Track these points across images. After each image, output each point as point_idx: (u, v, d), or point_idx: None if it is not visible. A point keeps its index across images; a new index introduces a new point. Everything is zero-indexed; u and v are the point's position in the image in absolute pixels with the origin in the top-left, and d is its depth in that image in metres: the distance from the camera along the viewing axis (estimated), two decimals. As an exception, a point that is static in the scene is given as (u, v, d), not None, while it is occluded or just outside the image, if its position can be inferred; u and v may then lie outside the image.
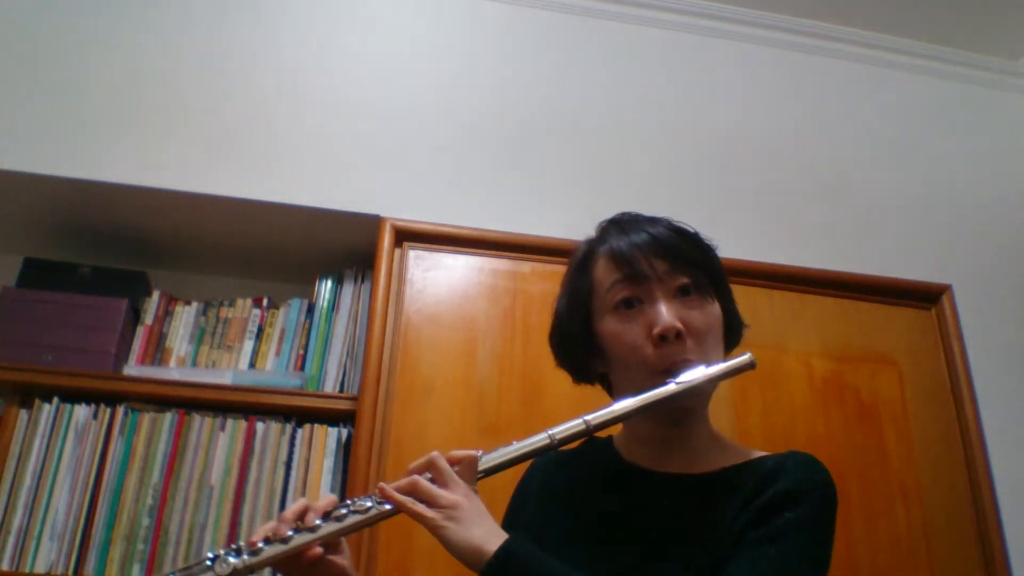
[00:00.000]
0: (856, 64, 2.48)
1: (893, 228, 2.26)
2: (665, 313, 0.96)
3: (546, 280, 1.96)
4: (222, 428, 1.82)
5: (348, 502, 0.90)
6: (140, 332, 1.98)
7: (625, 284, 0.99)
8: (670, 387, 0.94)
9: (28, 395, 1.81)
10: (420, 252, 1.96)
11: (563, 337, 1.08)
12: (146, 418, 1.81)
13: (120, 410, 1.80)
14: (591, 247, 1.08)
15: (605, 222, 1.10)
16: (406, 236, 1.96)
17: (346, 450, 1.82)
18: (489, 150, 2.13)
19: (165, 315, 2.02)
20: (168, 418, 1.81)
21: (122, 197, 1.96)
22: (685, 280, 0.99)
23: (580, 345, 1.04)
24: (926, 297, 2.15)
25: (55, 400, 1.80)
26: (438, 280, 1.94)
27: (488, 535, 0.85)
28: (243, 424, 1.83)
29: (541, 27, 2.33)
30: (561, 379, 1.09)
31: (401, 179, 2.05)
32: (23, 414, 1.78)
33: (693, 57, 2.39)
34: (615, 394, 1.04)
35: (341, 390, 1.91)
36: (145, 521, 1.71)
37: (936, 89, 2.52)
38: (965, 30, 2.49)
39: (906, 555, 1.83)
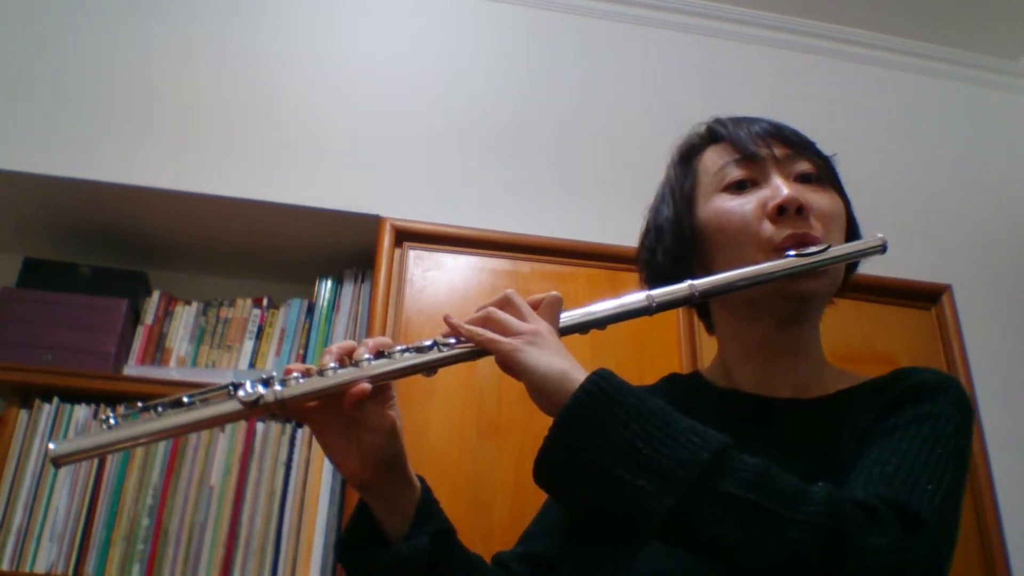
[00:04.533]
0: (855, 64, 2.48)
1: (893, 228, 2.24)
2: (784, 186, 0.83)
3: (546, 280, 1.96)
4: (222, 428, 1.82)
5: (404, 345, 0.75)
6: (140, 332, 1.97)
7: (738, 164, 0.86)
8: (791, 260, 0.80)
9: (28, 395, 1.80)
10: (420, 252, 1.96)
11: (660, 232, 0.92)
12: (146, 418, 1.80)
13: (120, 410, 1.80)
14: (697, 137, 0.94)
15: (715, 117, 0.95)
16: (406, 236, 1.96)
17: (346, 450, 1.81)
18: (490, 150, 2.13)
19: (165, 315, 2.01)
20: (168, 418, 1.81)
21: (122, 197, 1.96)
22: (807, 166, 0.87)
23: (681, 235, 0.89)
24: (926, 297, 2.15)
25: (55, 400, 1.79)
26: (438, 280, 1.94)
27: (574, 365, 0.70)
28: (243, 424, 1.82)
29: (541, 27, 2.33)
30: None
31: (401, 179, 2.05)
32: (23, 414, 1.78)
33: (694, 57, 2.39)
34: (715, 302, 0.88)
35: (341, 390, 1.91)
36: (145, 521, 1.71)
37: (936, 89, 2.52)
38: (965, 30, 2.49)
39: (906, 555, 1.83)
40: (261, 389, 0.70)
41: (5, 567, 1.63)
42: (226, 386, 0.71)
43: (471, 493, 1.70)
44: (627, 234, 1.98)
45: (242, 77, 2.09)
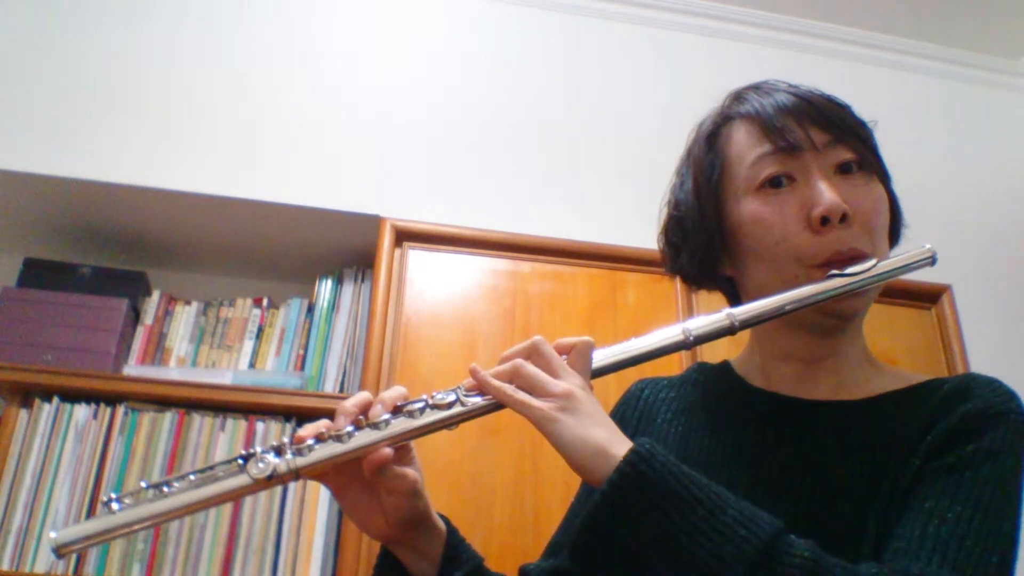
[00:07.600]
0: (855, 64, 2.48)
1: (893, 228, 2.26)
2: (826, 191, 0.78)
3: (546, 280, 1.96)
4: (222, 428, 1.82)
5: (424, 396, 0.72)
6: (140, 332, 1.98)
7: (774, 158, 0.81)
8: (836, 280, 0.76)
9: (28, 395, 1.80)
10: (420, 252, 1.96)
11: (684, 229, 0.86)
12: (146, 418, 1.80)
13: (120, 410, 1.80)
14: (723, 113, 0.90)
15: (738, 88, 0.91)
16: (406, 236, 1.96)
17: (346, 450, 1.81)
18: (489, 150, 2.13)
19: (165, 315, 2.02)
20: (168, 418, 1.81)
21: (122, 197, 1.96)
22: (849, 155, 0.81)
23: (710, 237, 0.84)
24: (926, 297, 2.15)
25: (55, 400, 1.79)
26: (438, 280, 1.94)
27: (612, 436, 0.67)
28: (243, 424, 1.82)
29: (541, 27, 2.33)
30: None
31: (401, 179, 2.05)
32: (23, 414, 1.78)
33: (693, 57, 2.39)
34: (746, 301, 0.82)
35: (341, 390, 1.91)
36: (145, 521, 1.71)
37: (935, 88, 2.52)
38: (965, 30, 2.49)
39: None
40: (274, 459, 0.66)
41: (5, 567, 1.63)
42: (236, 459, 0.67)
43: (471, 493, 1.70)
44: (627, 234, 2.00)
45: (242, 78, 2.09)
